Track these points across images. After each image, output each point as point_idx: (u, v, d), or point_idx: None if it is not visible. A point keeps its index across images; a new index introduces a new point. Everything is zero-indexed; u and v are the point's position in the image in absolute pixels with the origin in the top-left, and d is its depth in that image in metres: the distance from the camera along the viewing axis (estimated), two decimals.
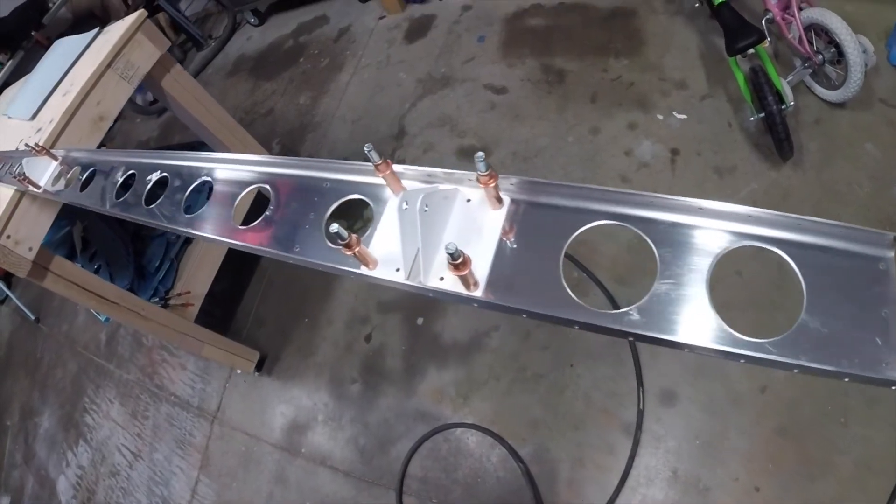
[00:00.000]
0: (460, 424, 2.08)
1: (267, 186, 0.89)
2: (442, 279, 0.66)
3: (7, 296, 4.17)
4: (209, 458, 2.50)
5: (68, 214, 2.37)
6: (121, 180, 1.13)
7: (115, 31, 1.83)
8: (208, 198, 0.95)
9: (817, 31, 2.03)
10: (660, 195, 0.61)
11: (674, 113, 2.40)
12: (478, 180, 0.65)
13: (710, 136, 2.27)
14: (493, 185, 0.65)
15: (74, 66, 1.89)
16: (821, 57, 2.03)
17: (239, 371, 2.52)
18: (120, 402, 2.99)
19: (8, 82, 4.06)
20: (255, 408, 2.47)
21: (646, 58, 2.61)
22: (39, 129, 1.73)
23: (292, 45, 3.98)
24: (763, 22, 2.13)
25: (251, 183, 0.93)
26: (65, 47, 2.10)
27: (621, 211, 0.64)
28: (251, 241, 0.84)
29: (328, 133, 3.16)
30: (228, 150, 2.23)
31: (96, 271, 2.57)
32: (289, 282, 2.73)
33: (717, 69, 2.40)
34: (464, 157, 2.65)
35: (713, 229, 0.60)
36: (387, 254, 0.70)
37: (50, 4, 4.46)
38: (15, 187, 1.54)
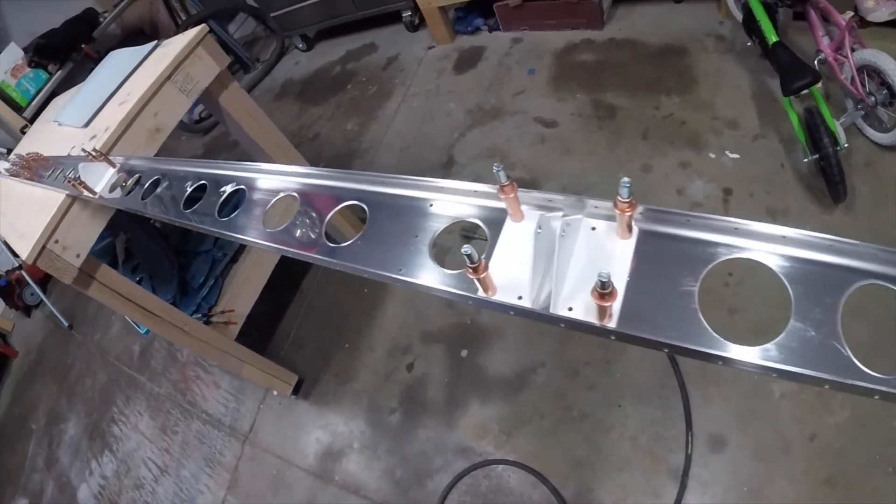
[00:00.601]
0: (502, 461, 2.02)
1: (363, 205, 0.87)
2: (571, 309, 0.63)
3: (42, 300, 4.20)
4: (238, 478, 2.46)
5: (111, 225, 2.37)
6: (189, 190, 1.11)
7: (176, 44, 1.84)
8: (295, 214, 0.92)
9: (870, 72, 1.99)
10: (792, 230, 0.59)
11: (726, 152, 2.37)
12: (615, 206, 0.62)
13: (763, 177, 2.24)
14: (630, 213, 0.63)
15: (131, 77, 1.90)
16: (873, 99, 1.99)
17: (275, 393, 2.49)
18: (150, 415, 2.97)
19: (56, 92, 4.15)
20: (289, 431, 2.44)
21: (697, 96, 2.59)
22: (94, 137, 1.73)
23: (340, 71, 4.03)
24: (815, 62, 2.11)
25: (342, 200, 0.90)
26: (120, 58, 2.12)
27: (748, 245, 0.62)
28: (350, 260, 0.81)
29: (375, 160, 3.17)
30: None
31: (138, 283, 2.58)
32: (330, 306, 2.71)
33: (770, 109, 2.38)
34: None
35: (841, 267, 0.58)
36: (505, 279, 0.67)
37: (101, 19, 4.56)
38: (67, 192, 1.53)
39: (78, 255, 1.63)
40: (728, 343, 0.56)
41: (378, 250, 0.79)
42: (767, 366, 0.54)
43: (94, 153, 1.33)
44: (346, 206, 0.90)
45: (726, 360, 0.56)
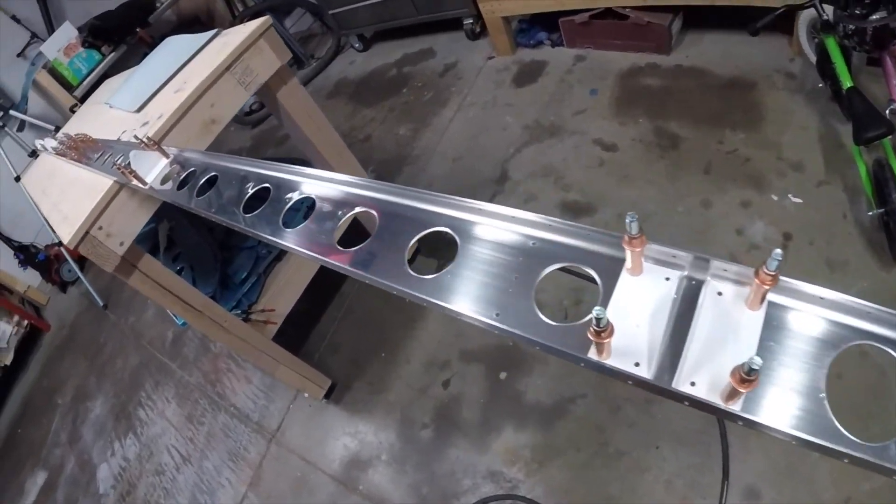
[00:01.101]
0: (533, 502, 1.95)
1: (453, 234, 0.78)
2: (693, 384, 0.56)
3: (78, 278, 4.23)
4: (261, 476, 2.43)
5: (155, 212, 2.36)
6: (251, 191, 1.03)
7: (237, 34, 1.79)
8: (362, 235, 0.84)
9: None
10: None
11: (789, 195, 2.27)
12: (757, 275, 0.55)
13: (825, 225, 2.13)
14: (769, 286, 0.55)
15: (188, 64, 1.87)
16: None
17: (307, 395, 2.45)
18: (177, 403, 2.96)
19: (108, 74, 4.19)
20: (317, 435, 2.39)
21: (763, 134, 2.49)
22: (146, 123, 1.69)
23: (395, 74, 4.00)
24: (888, 112, 2.00)
25: (429, 225, 0.80)
26: (177, 45, 2.10)
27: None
28: (438, 296, 0.72)
29: (427, 168, 3.13)
30: (333, 171, 2.20)
31: (178, 273, 2.55)
32: (369, 313, 2.66)
33: (836, 155, 2.28)
34: (567, 213, 2.56)
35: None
36: (618, 341, 0.59)
37: (157, 4, 4.60)
38: (115, 178, 1.48)
39: (121, 244, 1.59)
40: (861, 442, 0.49)
41: (471, 289, 0.70)
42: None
43: (146, 141, 1.28)
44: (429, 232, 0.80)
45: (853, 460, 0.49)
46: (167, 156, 1.28)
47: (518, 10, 3.31)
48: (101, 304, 3.94)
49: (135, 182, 1.27)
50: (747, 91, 2.66)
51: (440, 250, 2.39)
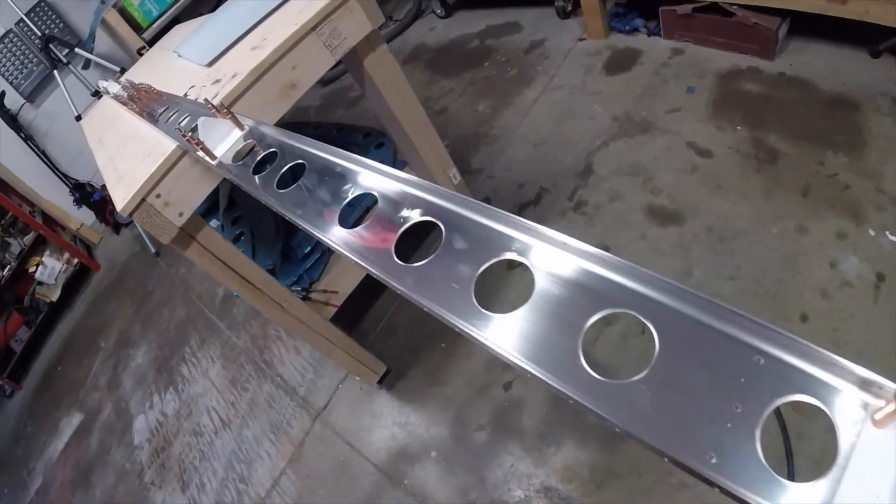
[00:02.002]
0: None
1: (650, 324, 0.53)
2: None
3: (132, 221, 4.18)
4: (302, 454, 2.33)
5: None
6: (350, 197, 0.82)
7: None
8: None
9: None
10: None
11: (886, 232, 2.05)
12: None
13: None
14: None
15: (267, 19, 1.71)
16: None
17: (358, 378, 2.33)
18: (222, 364, 2.88)
19: (179, 19, 4.09)
20: (365, 420, 2.28)
21: (865, 161, 2.24)
22: (217, 81, 1.53)
23: (477, 45, 3.80)
24: None
25: (613, 303, 0.57)
26: None
27: None
28: (627, 419, 0.49)
29: (506, 150, 2.95)
30: (415, 150, 2.04)
31: (237, 238, 2.44)
32: None
33: None
34: (653, 219, 2.37)
35: None
36: None
37: None
38: (178, 143, 1.32)
39: (181, 214, 1.44)
40: None
41: (674, 414, 0.48)
42: None
43: (218, 108, 1.12)
44: (610, 315, 0.57)
45: None
46: (241, 127, 1.10)
47: None
48: (154, 250, 3.90)
49: (201, 153, 1.10)
50: (851, 112, 2.41)
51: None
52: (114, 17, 4.02)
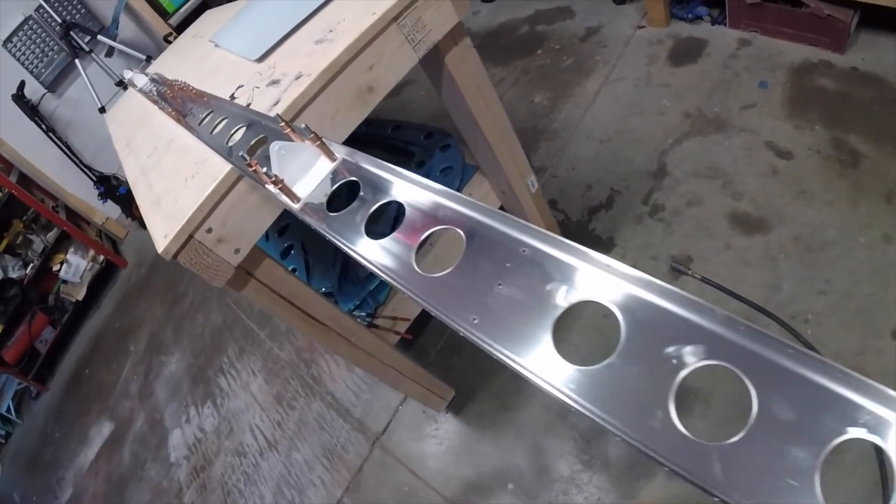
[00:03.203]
0: None
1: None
2: None
3: None
4: (360, 482, 2.16)
5: None
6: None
7: None
8: None
9: None
10: None
11: None
12: None
13: None
14: None
15: (325, 7, 1.44)
16: None
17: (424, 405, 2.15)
18: (265, 377, 2.71)
19: (208, 4, 3.88)
20: (430, 446, 2.10)
21: None
22: (275, 82, 1.27)
23: (528, 32, 3.57)
24: None
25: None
26: None
27: None
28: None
29: (568, 147, 2.74)
30: (493, 156, 1.84)
31: (285, 252, 2.19)
32: None
33: None
34: (737, 226, 2.18)
35: None
36: None
37: None
38: (235, 167, 1.03)
39: (237, 251, 1.18)
40: None
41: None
42: None
43: (300, 130, 0.81)
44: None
45: None
46: (332, 157, 0.81)
47: None
48: None
49: (276, 192, 0.79)
50: None
51: None
52: (139, 2, 3.83)
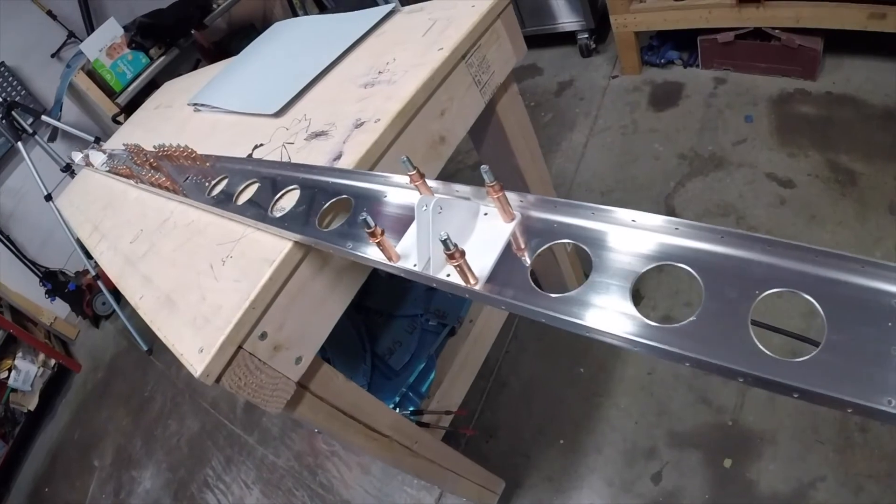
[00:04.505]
0: None
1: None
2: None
3: (114, 311, 3.67)
4: None
5: None
6: None
7: (457, 10, 1.19)
8: None
9: None
10: None
11: None
12: None
13: None
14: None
15: (357, 47, 1.29)
16: None
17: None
18: (261, 489, 2.39)
19: (155, 82, 3.68)
20: None
21: None
22: (319, 134, 1.08)
23: None
24: None
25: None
26: (318, 27, 1.57)
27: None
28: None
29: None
30: None
31: None
32: (529, 385, 2.13)
33: None
34: None
35: None
36: None
37: (214, 5, 4.13)
38: (300, 238, 0.84)
39: (298, 360, 0.92)
40: None
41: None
42: None
43: (491, 185, 0.62)
44: None
45: None
46: (510, 215, 0.64)
47: (657, 24, 2.89)
48: (145, 347, 3.38)
49: (454, 273, 0.61)
50: None
51: None
52: (84, 81, 3.60)
